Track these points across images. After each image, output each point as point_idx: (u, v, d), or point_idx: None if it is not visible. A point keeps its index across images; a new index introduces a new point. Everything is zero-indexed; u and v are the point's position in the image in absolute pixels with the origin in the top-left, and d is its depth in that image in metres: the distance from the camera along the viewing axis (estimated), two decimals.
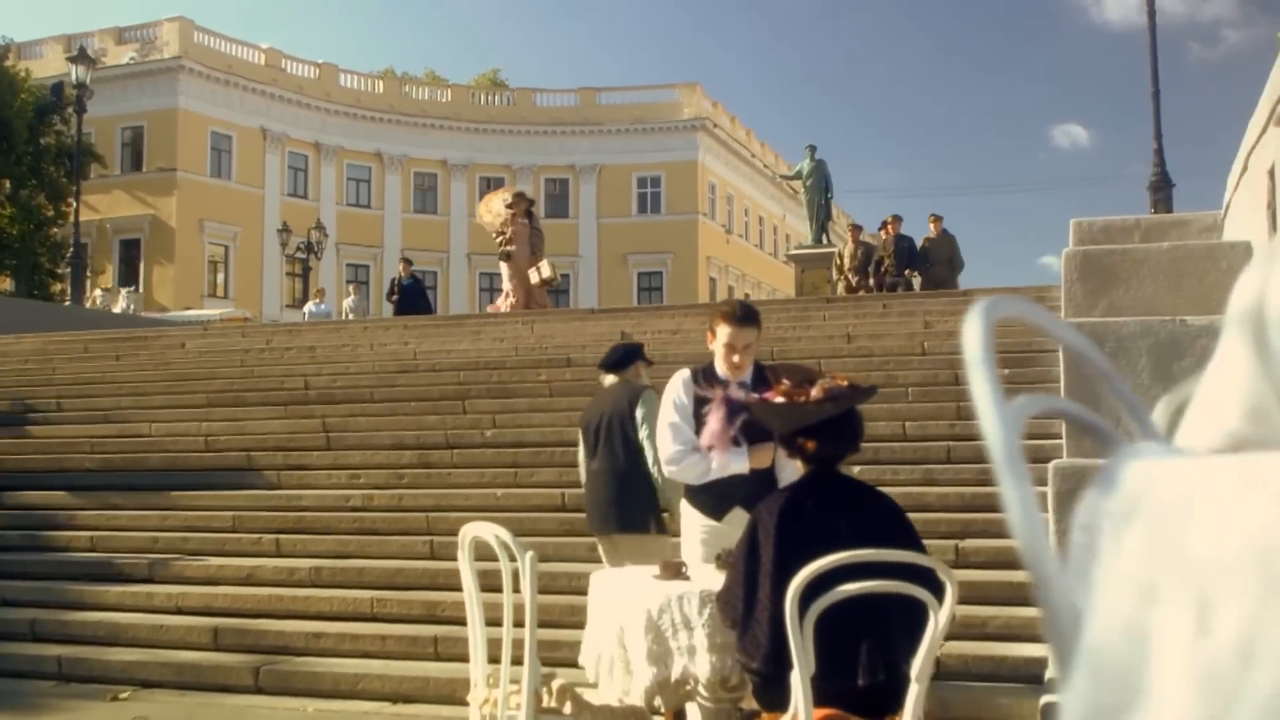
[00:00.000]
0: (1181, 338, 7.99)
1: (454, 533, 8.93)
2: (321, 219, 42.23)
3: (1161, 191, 15.08)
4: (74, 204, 27.34)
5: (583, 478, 6.65)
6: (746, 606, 3.47)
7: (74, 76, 24.28)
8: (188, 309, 35.22)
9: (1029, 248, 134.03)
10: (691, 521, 5.02)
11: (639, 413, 6.12)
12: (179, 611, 8.20)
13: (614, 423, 6.24)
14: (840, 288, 20.60)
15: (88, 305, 29.49)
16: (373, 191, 52.35)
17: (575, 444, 10.31)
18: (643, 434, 6.06)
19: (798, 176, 26.20)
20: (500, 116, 54.93)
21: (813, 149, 25.45)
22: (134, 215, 44.89)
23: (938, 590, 3.42)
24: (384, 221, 51.63)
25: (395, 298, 22.80)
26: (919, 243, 19.66)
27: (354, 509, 9.47)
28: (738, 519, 4.81)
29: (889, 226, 20.14)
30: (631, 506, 6.13)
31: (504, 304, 19.18)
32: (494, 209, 19.59)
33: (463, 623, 7.62)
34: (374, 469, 10.22)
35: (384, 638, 7.35)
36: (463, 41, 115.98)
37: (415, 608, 7.75)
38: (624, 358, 6.64)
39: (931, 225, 19.93)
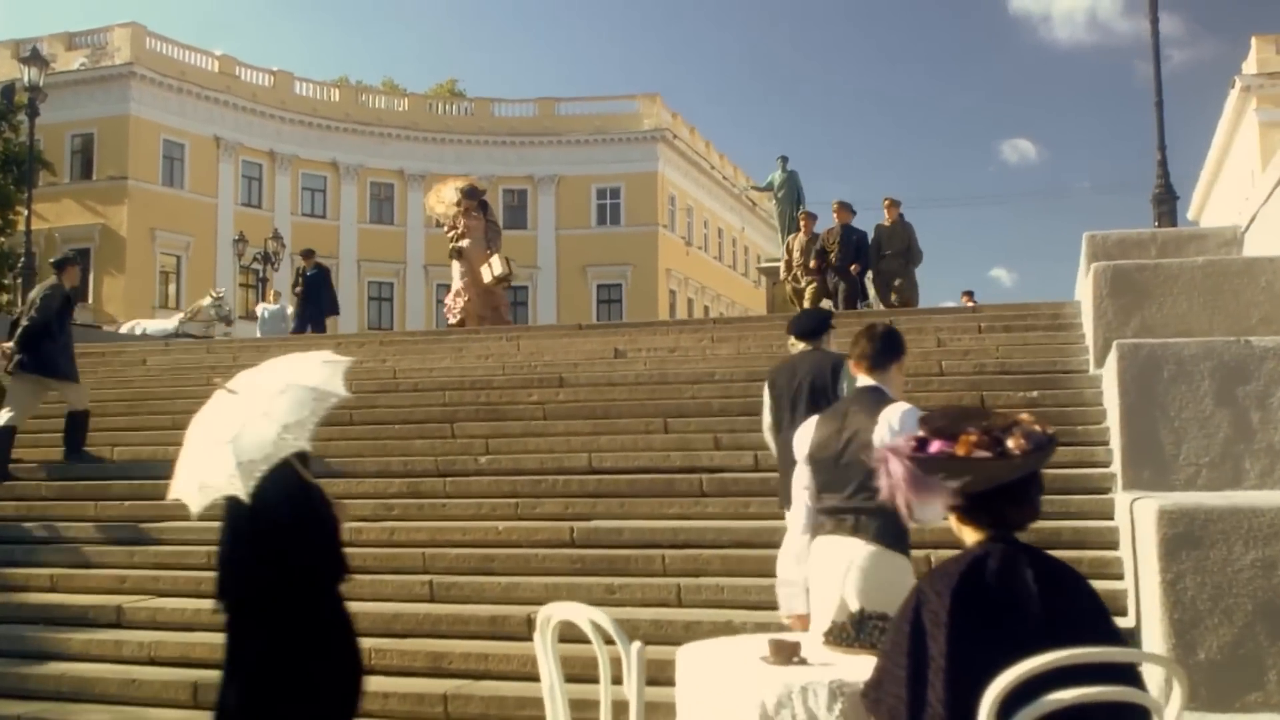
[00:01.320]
0: (1247, 360, 7.39)
1: (454, 571, 8.27)
2: (276, 229, 41.30)
3: (1166, 204, 14.61)
4: (24, 212, 26.23)
5: (772, 447, 6.47)
6: (912, 710, 2.80)
7: (26, 79, 23.22)
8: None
9: (980, 260, 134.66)
10: (834, 559, 4.46)
11: (843, 384, 5.92)
12: (152, 662, 7.42)
13: (816, 390, 6.12)
14: (787, 285, 18.69)
15: (178, 324, 26.65)
16: (328, 201, 51.59)
17: (583, 471, 9.71)
18: None
19: (769, 188, 25.60)
20: (458, 126, 54.41)
21: (784, 160, 24.90)
22: (83, 224, 43.81)
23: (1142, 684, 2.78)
24: (340, 232, 50.85)
25: (299, 289, 21.52)
26: (871, 232, 17.56)
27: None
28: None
29: (835, 214, 18.08)
30: None
31: (455, 303, 18.05)
32: (446, 198, 18.44)
33: (474, 677, 6.97)
34: (359, 498, 9.41)
35: (386, 695, 6.56)
36: (420, 50, 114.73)
37: (418, 659, 7.00)
38: (819, 325, 6.58)
39: (886, 211, 17.56)
